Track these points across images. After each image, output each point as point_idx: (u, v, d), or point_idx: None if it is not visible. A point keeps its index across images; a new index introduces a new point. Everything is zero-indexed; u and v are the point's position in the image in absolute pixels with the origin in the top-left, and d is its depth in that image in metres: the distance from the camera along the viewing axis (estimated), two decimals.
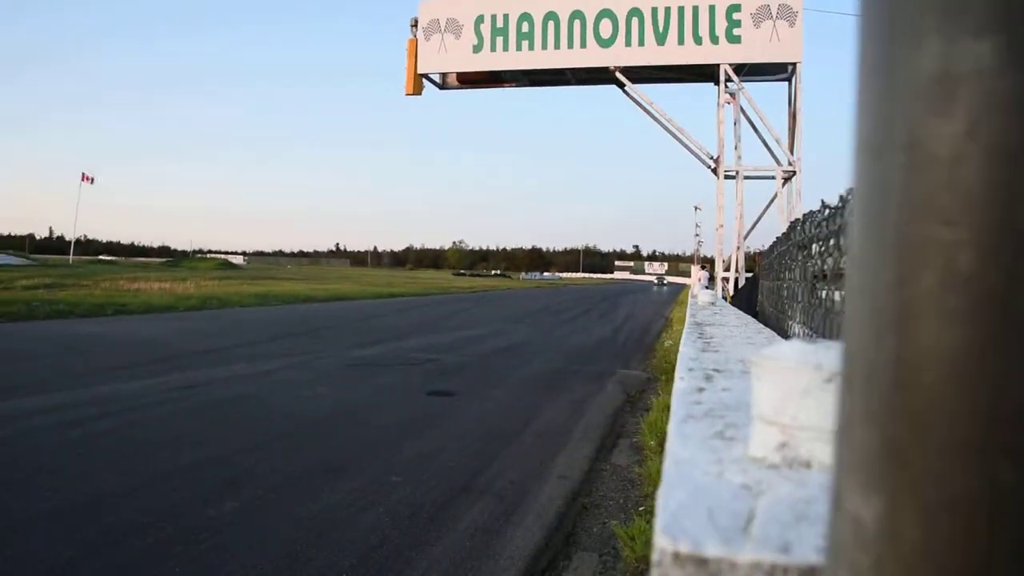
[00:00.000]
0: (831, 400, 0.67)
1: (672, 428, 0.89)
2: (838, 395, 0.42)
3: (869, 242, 0.39)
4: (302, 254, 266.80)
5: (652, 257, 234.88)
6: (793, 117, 15.73)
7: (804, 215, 2.43)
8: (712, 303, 5.04)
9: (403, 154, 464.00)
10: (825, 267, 2.30)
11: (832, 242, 1.83)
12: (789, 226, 2.95)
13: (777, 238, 4.20)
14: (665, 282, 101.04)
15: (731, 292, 15.13)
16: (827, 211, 1.96)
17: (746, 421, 0.95)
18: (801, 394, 0.68)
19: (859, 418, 0.39)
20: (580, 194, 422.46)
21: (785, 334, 2.93)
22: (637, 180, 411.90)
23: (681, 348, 1.94)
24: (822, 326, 2.47)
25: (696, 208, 71.60)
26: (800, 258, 2.63)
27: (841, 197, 1.62)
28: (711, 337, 2.30)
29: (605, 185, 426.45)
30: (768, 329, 2.82)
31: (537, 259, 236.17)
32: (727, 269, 16.26)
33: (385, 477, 5.75)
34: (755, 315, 6.03)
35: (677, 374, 1.39)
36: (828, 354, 0.69)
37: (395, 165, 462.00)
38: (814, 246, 2.17)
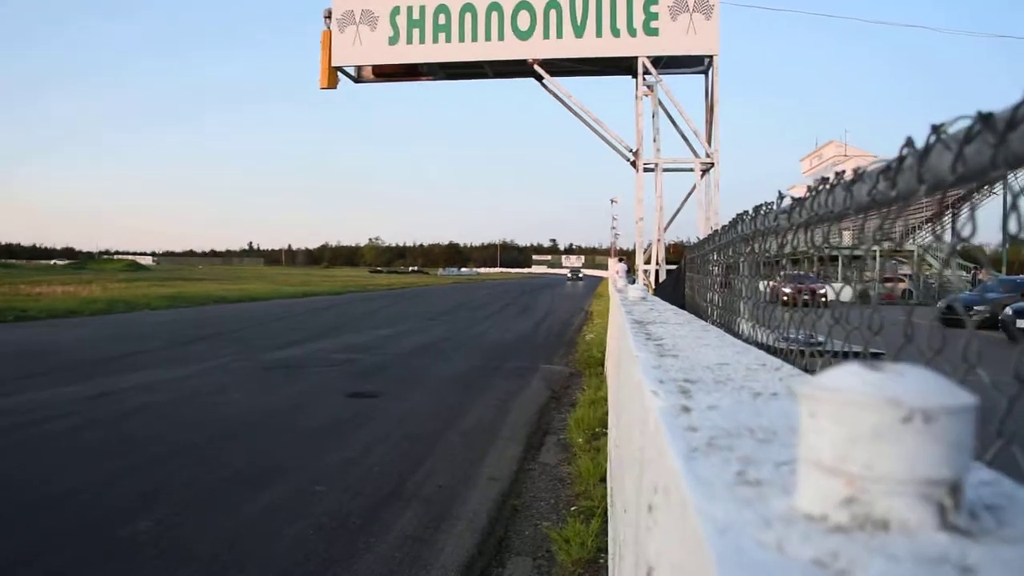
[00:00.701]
0: (912, 444, 0.54)
1: (680, 468, 0.74)
2: None
3: None
4: (214, 254, 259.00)
5: (570, 250, 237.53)
6: (711, 109, 15.95)
7: (755, 207, 2.33)
8: (643, 298, 4.97)
9: (317, 150, 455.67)
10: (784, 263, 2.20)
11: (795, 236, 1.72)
12: (734, 218, 2.87)
13: (715, 230, 4.15)
14: (581, 276, 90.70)
15: (652, 285, 15.27)
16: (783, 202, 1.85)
17: (760, 454, 0.81)
18: (872, 436, 0.54)
19: None
20: (498, 189, 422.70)
21: (732, 330, 2.85)
22: (556, 174, 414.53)
23: (636, 352, 1.81)
24: (764, 319, 2.38)
25: (612, 201, 72.65)
26: (748, 252, 2.54)
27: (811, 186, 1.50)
28: (661, 338, 2.18)
29: (524, 180, 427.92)
30: (714, 327, 2.72)
31: (455, 255, 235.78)
32: (648, 261, 16.40)
33: (308, 487, 5.50)
34: (682, 306, 6.01)
35: (647, 387, 1.26)
36: (904, 385, 0.55)
37: (308, 162, 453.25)
38: (770, 239, 2.06)
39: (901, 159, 1.07)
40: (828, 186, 1.46)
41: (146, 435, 6.95)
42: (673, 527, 0.76)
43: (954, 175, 0.92)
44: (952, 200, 36.50)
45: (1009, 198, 0.80)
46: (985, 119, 0.84)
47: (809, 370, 1.65)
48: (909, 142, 1.03)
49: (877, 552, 0.51)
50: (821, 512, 0.57)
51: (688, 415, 1.03)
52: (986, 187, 32.49)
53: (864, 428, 0.54)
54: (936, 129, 0.94)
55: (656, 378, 1.36)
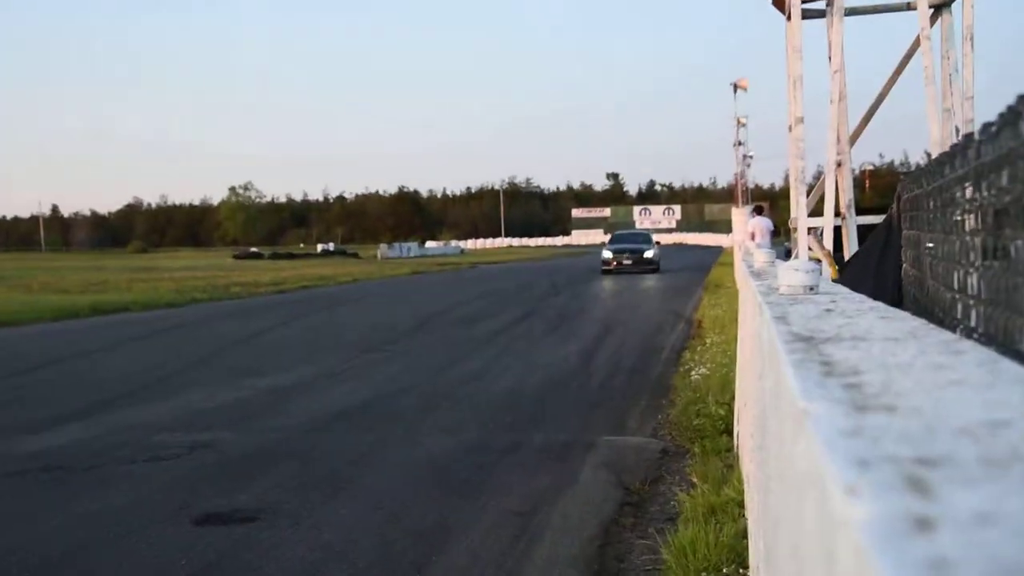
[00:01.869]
0: None
1: None
2: None
3: None
4: None
5: (647, 195, 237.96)
6: None
7: None
8: (811, 287, 4.92)
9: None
10: None
11: None
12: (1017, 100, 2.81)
13: (967, 135, 4.10)
14: (651, 253, 64.59)
15: (830, 258, 15.22)
16: None
17: None
18: None
19: None
20: (496, 84, 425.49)
21: (1016, 349, 2.80)
22: (611, 49, 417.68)
23: (800, 401, 1.77)
24: None
25: (736, 88, 72.92)
26: None
27: None
28: (855, 371, 2.14)
29: (539, 56, 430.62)
30: (969, 344, 2.69)
31: (412, 215, 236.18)
32: (816, 211, 16.37)
33: None
34: (898, 304, 5.97)
35: (829, 474, 1.22)
36: None
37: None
38: None
39: None
40: None
41: None
42: None
43: None
44: None
45: None
46: None
47: None
48: None
49: None
50: None
51: (930, 539, 0.98)
52: None
53: None
54: None
55: (852, 456, 1.32)
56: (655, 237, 69.01)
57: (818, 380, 2.06)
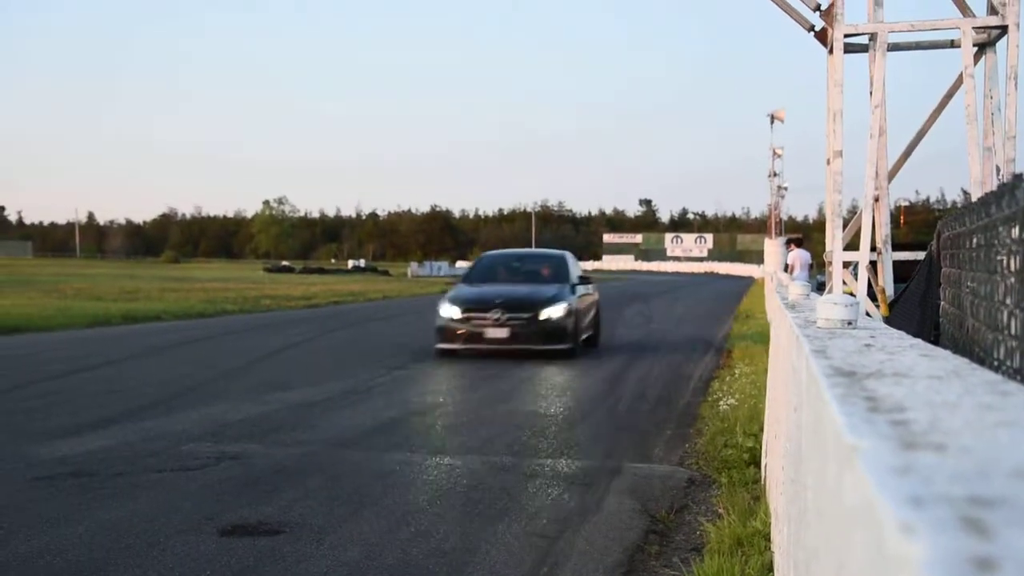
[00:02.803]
0: None
1: None
2: None
3: None
4: None
5: (680, 223, 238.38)
6: None
7: None
8: (848, 322, 4.91)
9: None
10: None
11: None
12: None
13: (1015, 175, 4.08)
14: (556, 315, 39.44)
15: (882, 295, 15.20)
16: None
17: None
18: None
19: None
20: (527, 105, 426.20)
21: None
22: (646, 75, 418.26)
23: (847, 437, 1.77)
24: None
25: (773, 119, 72.86)
26: None
27: None
28: (901, 408, 2.14)
29: (580, 87, 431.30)
30: (1016, 386, 2.67)
31: (444, 235, 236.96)
32: (850, 246, 16.35)
33: None
34: (935, 342, 5.96)
35: (885, 514, 1.22)
36: None
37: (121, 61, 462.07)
38: None
39: None
40: None
41: None
42: None
43: None
44: None
45: None
46: None
47: None
48: None
49: None
50: None
51: None
52: None
53: None
54: None
55: (905, 494, 1.32)
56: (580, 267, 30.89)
57: (864, 416, 2.05)
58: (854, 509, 1.62)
